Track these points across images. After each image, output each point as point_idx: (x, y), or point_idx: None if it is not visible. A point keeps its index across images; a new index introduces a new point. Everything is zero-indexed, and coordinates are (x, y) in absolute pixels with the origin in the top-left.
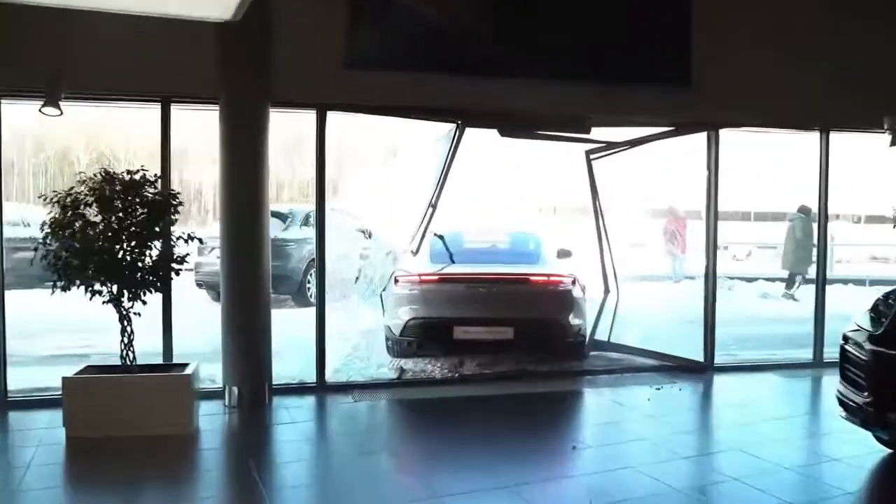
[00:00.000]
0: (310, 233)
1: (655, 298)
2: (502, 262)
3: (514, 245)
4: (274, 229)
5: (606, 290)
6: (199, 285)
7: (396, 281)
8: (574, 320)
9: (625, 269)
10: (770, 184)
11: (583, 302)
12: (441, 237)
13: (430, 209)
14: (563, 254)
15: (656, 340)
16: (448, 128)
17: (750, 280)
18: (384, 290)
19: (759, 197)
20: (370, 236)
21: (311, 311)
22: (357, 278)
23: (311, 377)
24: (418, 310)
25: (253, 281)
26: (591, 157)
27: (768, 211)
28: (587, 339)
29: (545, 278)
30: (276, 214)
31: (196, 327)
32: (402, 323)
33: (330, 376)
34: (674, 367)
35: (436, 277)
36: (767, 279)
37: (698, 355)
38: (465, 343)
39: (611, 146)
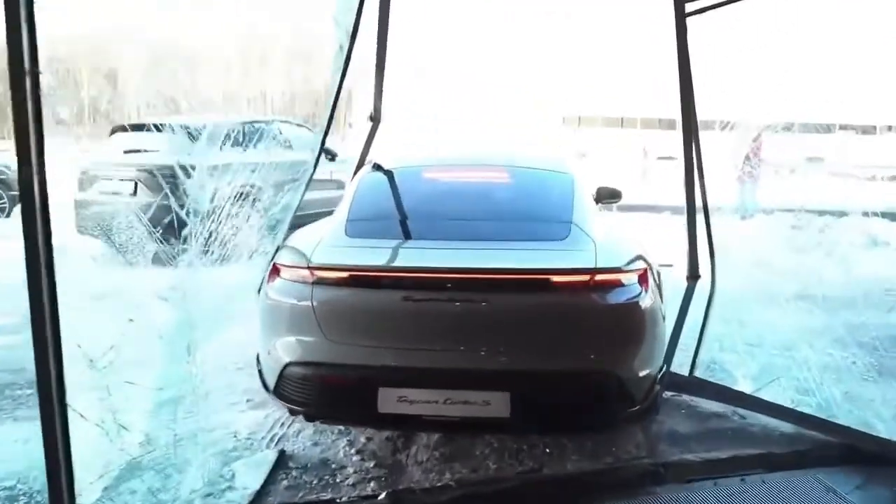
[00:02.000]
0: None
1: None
2: (494, 236)
3: (522, 196)
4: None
5: (694, 275)
6: None
7: (274, 274)
8: (643, 367)
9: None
10: None
11: (660, 319)
12: (378, 167)
13: (371, 122)
14: (607, 196)
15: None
16: None
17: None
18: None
19: None
20: (333, 159)
21: None
22: None
23: None
24: (306, 347)
25: None
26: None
27: None
28: (662, 386)
29: (586, 278)
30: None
31: None
32: (277, 370)
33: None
34: (850, 451)
35: (345, 274)
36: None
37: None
38: (404, 421)
39: None
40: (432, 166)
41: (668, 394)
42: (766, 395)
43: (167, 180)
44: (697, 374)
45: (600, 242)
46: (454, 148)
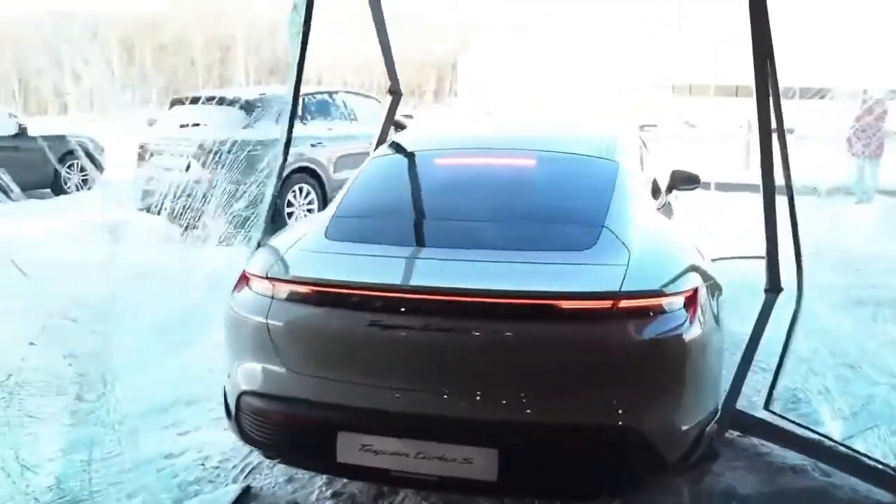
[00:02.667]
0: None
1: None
2: (501, 243)
3: (547, 191)
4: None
5: (774, 287)
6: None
7: (241, 282)
8: (682, 420)
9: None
10: None
11: (712, 354)
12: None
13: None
14: (683, 180)
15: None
16: None
17: None
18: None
19: None
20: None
21: None
22: None
23: None
24: (261, 375)
25: None
26: None
27: None
28: (713, 431)
29: (606, 304)
30: (230, 103)
31: None
32: (234, 398)
33: None
34: None
35: (305, 289)
36: None
37: None
38: (368, 474)
39: None
40: (448, 150)
41: (731, 433)
42: (861, 445)
43: (217, 156)
44: (774, 408)
45: (637, 253)
46: (492, 124)
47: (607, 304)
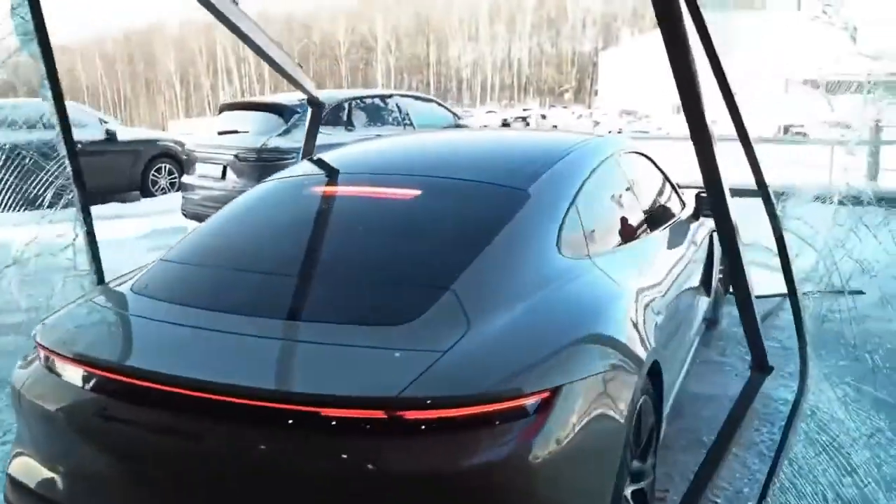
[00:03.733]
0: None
1: None
2: (311, 312)
3: (406, 236)
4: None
5: (761, 365)
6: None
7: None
8: None
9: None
10: None
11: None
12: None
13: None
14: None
15: None
16: None
17: None
18: None
19: None
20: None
21: None
22: None
23: None
24: (15, 458)
25: None
26: None
27: None
28: None
29: (379, 414)
30: (270, 108)
31: None
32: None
33: None
34: None
35: (57, 360)
36: None
37: None
38: None
39: None
40: (329, 178)
41: None
42: None
43: (251, 163)
44: None
45: (481, 331)
46: (425, 140)
47: (379, 413)
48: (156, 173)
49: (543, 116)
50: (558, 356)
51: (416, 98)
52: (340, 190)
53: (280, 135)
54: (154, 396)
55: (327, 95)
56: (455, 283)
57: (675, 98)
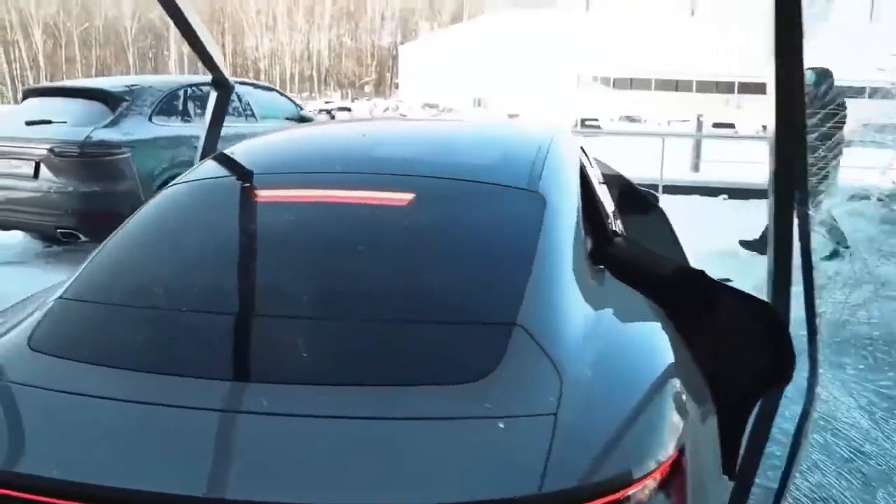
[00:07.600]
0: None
1: None
2: (313, 375)
3: (415, 256)
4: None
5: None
6: None
7: None
8: None
9: None
10: None
11: None
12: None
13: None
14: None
15: None
16: None
17: None
18: None
19: None
20: None
21: None
22: None
23: None
24: None
25: None
26: None
27: None
28: None
29: None
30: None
31: None
32: None
33: None
34: None
35: None
36: None
37: None
38: None
39: None
40: (273, 176)
41: None
42: None
43: (73, 159)
44: None
45: (575, 383)
46: (368, 129)
47: None
48: None
49: (348, 109)
50: (667, 398)
51: (256, 86)
52: (303, 194)
53: (107, 126)
54: None
55: (158, 81)
56: (519, 316)
57: (474, 92)
